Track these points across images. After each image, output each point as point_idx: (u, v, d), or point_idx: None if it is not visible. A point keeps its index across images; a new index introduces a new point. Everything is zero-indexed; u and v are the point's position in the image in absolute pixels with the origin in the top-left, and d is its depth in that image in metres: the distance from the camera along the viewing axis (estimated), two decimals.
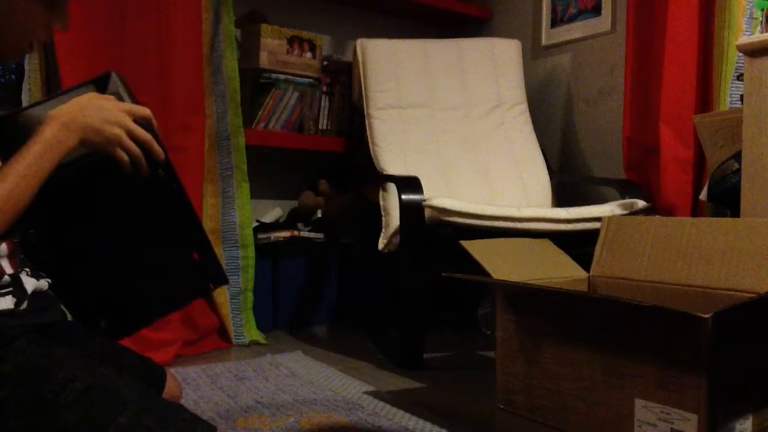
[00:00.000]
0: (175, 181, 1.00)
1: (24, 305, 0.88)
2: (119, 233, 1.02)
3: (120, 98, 0.97)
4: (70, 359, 0.84)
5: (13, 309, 0.86)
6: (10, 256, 0.89)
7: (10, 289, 0.87)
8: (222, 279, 1.06)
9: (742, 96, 1.63)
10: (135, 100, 1.00)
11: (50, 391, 0.79)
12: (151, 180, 0.97)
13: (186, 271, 1.05)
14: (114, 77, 1.00)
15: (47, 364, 0.81)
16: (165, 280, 1.05)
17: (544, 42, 2.57)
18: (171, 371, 1.17)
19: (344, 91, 2.48)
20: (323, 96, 2.45)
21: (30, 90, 1.75)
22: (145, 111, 0.95)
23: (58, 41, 1.72)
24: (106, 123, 0.89)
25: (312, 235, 2.35)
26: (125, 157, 0.92)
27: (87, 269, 1.04)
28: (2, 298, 0.85)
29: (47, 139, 0.86)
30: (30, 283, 0.91)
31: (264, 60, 2.27)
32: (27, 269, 0.92)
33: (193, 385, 1.58)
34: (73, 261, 1.03)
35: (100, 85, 1.00)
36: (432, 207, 1.74)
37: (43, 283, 0.94)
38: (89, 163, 0.92)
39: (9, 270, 0.87)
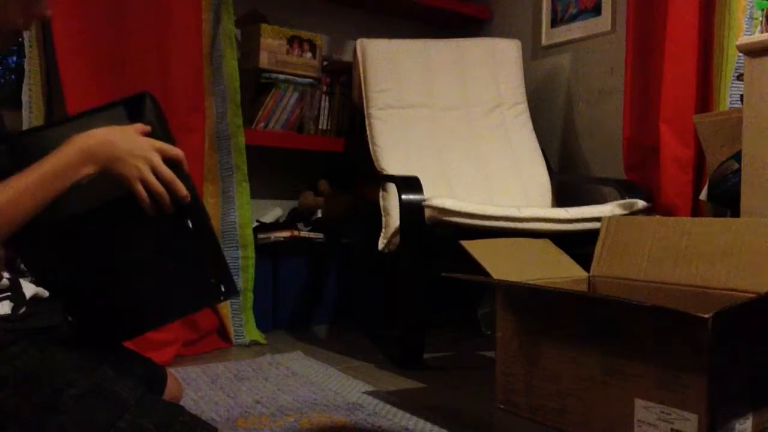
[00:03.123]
0: (202, 224, 0.96)
1: (22, 310, 0.87)
2: (135, 258, 0.98)
3: (153, 128, 0.93)
4: (69, 363, 0.83)
5: (9, 314, 0.85)
6: (10, 263, 0.89)
7: (8, 294, 0.86)
8: (233, 292, 1.04)
9: (742, 96, 1.63)
10: (167, 129, 0.96)
11: (48, 396, 0.78)
12: (175, 220, 0.93)
13: (200, 286, 1.02)
14: (148, 103, 0.96)
15: (45, 369, 0.81)
16: (176, 292, 1.02)
17: (544, 42, 2.57)
18: (171, 371, 1.17)
19: (344, 91, 2.48)
20: (323, 96, 2.45)
21: (30, 90, 1.75)
22: (176, 152, 0.91)
23: (58, 42, 1.72)
24: (131, 156, 0.86)
25: (312, 235, 2.34)
26: (145, 195, 0.88)
27: (94, 285, 1.00)
28: None
29: (61, 162, 0.83)
30: (30, 289, 0.90)
31: (264, 60, 2.27)
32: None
33: (193, 385, 1.58)
34: (80, 281, 0.99)
35: (132, 108, 0.96)
36: (432, 207, 1.74)
37: (43, 290, 0.94)
38: (112, 196, 0.89)
39: (6, 274, 0.87)
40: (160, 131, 0.96)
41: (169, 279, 0.99)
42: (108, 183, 0.87)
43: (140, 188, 0.87)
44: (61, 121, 1.01)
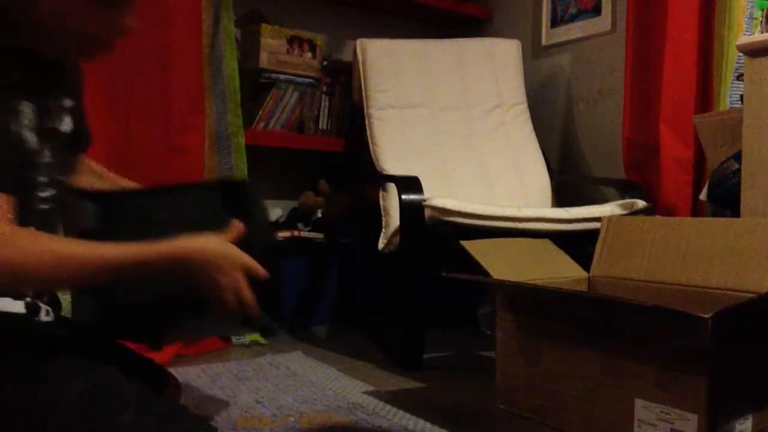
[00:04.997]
0: (269, 327, 0.95)
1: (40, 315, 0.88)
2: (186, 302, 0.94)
3: (249, 222, 0.90)
4: (70, 361, 0.83)
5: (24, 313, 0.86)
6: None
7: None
8: (272, 331, 1.02)
9: (742, 96, 1.63)
10: (262, 222, 0.94)
11: (50, 392, 0.79)
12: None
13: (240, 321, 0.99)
14: (247, 193, 0.93)
15: (47, 366, 0.81)
16: (215, 318, 0.97)
17: (544, 42, 2.57)
18: (171, 371, 1.17)
19: (344, 91, 2.48)
20: (323, 96, 2.45)
21: None
22: (262, 273, 0.88)
23: None
24: (218, 274, 0.85)
25: (312, 235, 2.34)
26: (218, 308, 0.87)
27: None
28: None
29: (151, 257, 0.80)
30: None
31: (264, 60, 2.27)
32: None
33: (193, 385, 1.58)
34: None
35: (230, 194, 0.94)
36: (432, 207, 1.74)
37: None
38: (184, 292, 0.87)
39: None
40: (256, 226, 0.93)
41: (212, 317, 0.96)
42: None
43: (216, 303, 0.87)
44: (154, 190, 0.99)
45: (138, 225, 0.81)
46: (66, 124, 0.94)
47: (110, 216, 0.89)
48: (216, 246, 0.85)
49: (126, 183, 1.13)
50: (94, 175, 1.10)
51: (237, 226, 0.90)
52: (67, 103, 0.94)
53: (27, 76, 0.84)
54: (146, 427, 0.80)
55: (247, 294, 0.87)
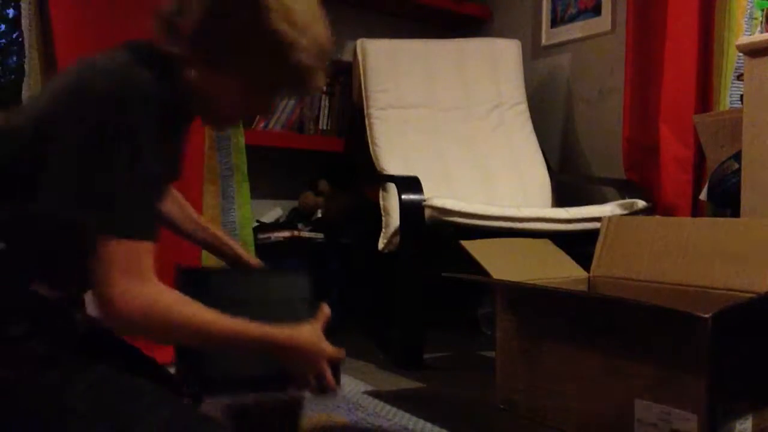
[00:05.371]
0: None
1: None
2: None
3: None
4: (82, 353, 0.84)
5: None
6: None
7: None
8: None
9: (742, 96, 1.63)
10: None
11: (62, 379, 0.80)
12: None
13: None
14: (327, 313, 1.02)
15: (59, 354, 0.82)
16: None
17: (544, 42, 2.57)
18: (171, 372, 1.17)
19: (344, 91, 2.48)
20: (323, 96, 2.45)
21: (30, 90, 1.75)
22: (342, 358, 0.99)
23: (59, 42, 1.72)
24: (307, 364, 0.95)
25: (312, 235, 2.34)
26: (301, 389, 0.99)
27: None
28: None
29: (264, 339, 0.89)
30: None
31: None
32: None
33: None
34: None
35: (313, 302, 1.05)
36: (432, 207, 1.74)
37: None
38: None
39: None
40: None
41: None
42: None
43: (299, 385, 0.99)
44: (251, 270, 1.12)
45: (237, 305, 0.89)
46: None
47: (210, 292, 0.99)
48: (309, 338, 0.95)
49: (192, 211, 1.20)
50: (174, 202, 1.17)
51: (325, 312, 1.01)
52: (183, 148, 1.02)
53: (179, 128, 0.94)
54: (161, 419, 0.81)
55: (330, 379, 0.97)
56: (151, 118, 0.79)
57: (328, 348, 0.97)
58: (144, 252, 0.78)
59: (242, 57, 0.86)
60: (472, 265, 1.37)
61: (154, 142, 0.79)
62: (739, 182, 1.43)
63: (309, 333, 0.95)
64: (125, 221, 0.77)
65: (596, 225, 1.61)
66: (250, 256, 1.22)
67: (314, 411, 1.38)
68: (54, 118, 0.79)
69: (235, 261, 1.20)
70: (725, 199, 1.60)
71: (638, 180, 2.10)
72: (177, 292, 0.83)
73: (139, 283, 0.77)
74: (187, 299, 0.83)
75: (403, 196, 1.78)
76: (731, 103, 1.85)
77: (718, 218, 1.53)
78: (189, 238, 1.20)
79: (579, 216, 1.82)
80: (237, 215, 2.07)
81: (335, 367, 0.99)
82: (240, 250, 1.20)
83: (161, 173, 0.86)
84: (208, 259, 1.71)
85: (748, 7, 1.84)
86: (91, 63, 0.83)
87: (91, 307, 0.91)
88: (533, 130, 2.39)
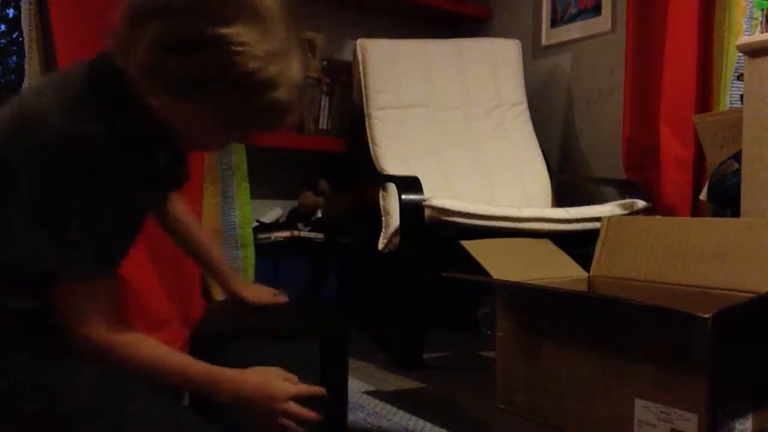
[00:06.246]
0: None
1: None
2: None
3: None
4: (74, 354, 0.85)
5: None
6: None
7: None
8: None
9: (742, 96, 1.63)
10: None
11: (64, 376, 0.81)
12: None
13: None
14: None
15: (59, 353, 0.83)
16: None
17: (544, 42, 2.57)
18: None
19: (344, 91, 2.48)
20: (323, 96, 2.45)
21: None
22: (319, 392, 0.94)
23: (58, 40, 1.71)
24: (267, 412, 0.90)
25: (312, 235, 2.34)
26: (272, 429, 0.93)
27: None
28: None
29: (211, 388, 0.88)
30: None
31: None
32: None
33: None
34: None
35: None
36: (432, 207, 1.74)
37: None
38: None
39: None
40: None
41: None
42: None
43: (271, 428, 0.93)
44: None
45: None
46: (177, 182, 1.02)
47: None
48: (256, 382, 0.89)
49: (197, 229, 1.21)
50: (178, 220, 1.16)
51: (315, 390, 0.94)
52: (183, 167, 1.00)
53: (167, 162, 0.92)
54: (152, 418, 0.81)
55: (303, 414, 0.90)
56: (101, 164, 0.78)
57: (287, 389, 0.90)
58: (99, 288, 0.83)
59: (203, 95, 0.80)
60: (472, 265, 1.37)
61: (113, 182, 0.79)
62: (739, 182, 1.43)
63: (259, 377, 0.90)
64: (80, 264, 0.80)
65: (596, 225, 1.61)
66: (244, 285, 1.26)
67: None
68: (6, 153, 0.77)
69: (231, 293, 1.24)
70: (725, 199, 1.60)
71: (638, 180, 2.10)
72: (131, 332, 0.87)
73: (95, 324, 0.82)
74: (141, 337, 0.87)
75: (403, 196, 1.78)
76: (731, 103, 1.85)
77: (718, 218, 1.53)
78: (189, 255, 1.24)
79: (579, 216, 1.82)
80: (237, 215, 2.07)
81: (317, 401, 0.93)
82: (235, 283, 1.24)
83: (134, 201, 0.86)
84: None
85: (748, 7, 1.84)
86: (36, 106, 0.79)
87: None
88: (533, 130, 2.39)
